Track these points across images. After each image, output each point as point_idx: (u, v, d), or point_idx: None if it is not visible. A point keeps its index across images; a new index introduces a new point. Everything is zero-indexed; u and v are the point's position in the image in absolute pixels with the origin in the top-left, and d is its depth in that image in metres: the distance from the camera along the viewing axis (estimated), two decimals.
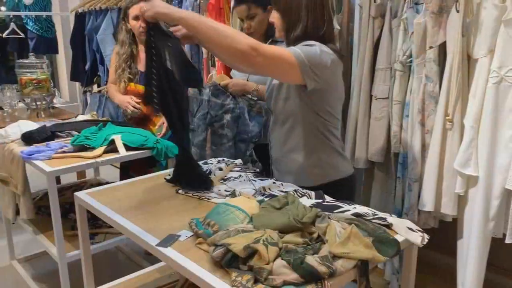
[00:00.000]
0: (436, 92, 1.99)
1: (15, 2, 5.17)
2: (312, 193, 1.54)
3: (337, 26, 2.38)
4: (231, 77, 2.36)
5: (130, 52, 2.60)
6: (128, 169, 2.70)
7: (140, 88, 2.57)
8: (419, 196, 2.08)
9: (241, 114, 2.16)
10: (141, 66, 2.61)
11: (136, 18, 2.49)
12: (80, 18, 4.45)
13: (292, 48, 1.42)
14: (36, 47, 5.06)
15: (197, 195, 1.59)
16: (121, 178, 2.75)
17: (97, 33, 4.06)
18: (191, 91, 2.21)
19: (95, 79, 4.52)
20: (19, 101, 3.27)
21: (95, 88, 4.60)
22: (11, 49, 5.40)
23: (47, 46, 5.12)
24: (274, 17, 1.59)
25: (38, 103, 3.26)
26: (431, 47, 1.97)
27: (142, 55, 2.63)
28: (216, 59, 3.14)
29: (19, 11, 5.04)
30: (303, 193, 1.57)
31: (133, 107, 2.55)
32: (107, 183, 2.90)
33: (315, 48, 1.43)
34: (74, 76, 4.70)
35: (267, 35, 2.19)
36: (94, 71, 4.40)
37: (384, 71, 2.21)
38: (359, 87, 2.33)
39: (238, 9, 2.21)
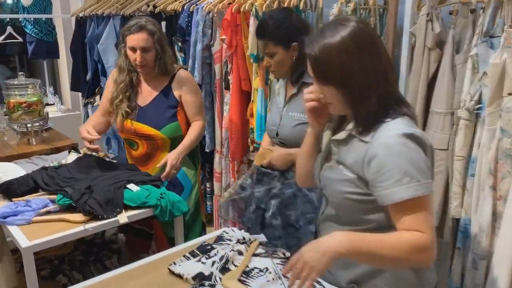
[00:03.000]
0: None
1: (14, 2, 4.80)
2: None
3: None
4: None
5: (129, 81, 2.15)
6: None
7: (137, 126, 2.15)
8: (486, 276, 1.67)
9: (293, 194, 1.70)
10: (140, 100, 2.17)
11: (133, 49, 2.05)
12: (81, 23, 4.05)
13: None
14: (35, 51, 4.73)
15: None
16: (120, 228, 2.37)
17: (98, 42, 3.66)
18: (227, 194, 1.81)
19: (96, 90, 4.11)
20: (7, 125, 2.88)
21: (97, 100, 4.20)
22: (10, 52, 5.07)
23: (47, 51, 4.79)
24: (327, 95, 1.15)
25: (28, 125, 2.88)
26: (510, 94, 1.54)
27: (143, 87, 2.20)
28: (230, 81, 2.72)
29: (18, 13, 4.67)
30: None
31: (89, 147, 2.05)
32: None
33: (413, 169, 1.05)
34: (74, 86, 4.33)
35: (292, 75, 1.75)
36: (97, 81, 4.00)
37: (442, 116, 1.78)
38: None
39: (258, 43, 1.80)
